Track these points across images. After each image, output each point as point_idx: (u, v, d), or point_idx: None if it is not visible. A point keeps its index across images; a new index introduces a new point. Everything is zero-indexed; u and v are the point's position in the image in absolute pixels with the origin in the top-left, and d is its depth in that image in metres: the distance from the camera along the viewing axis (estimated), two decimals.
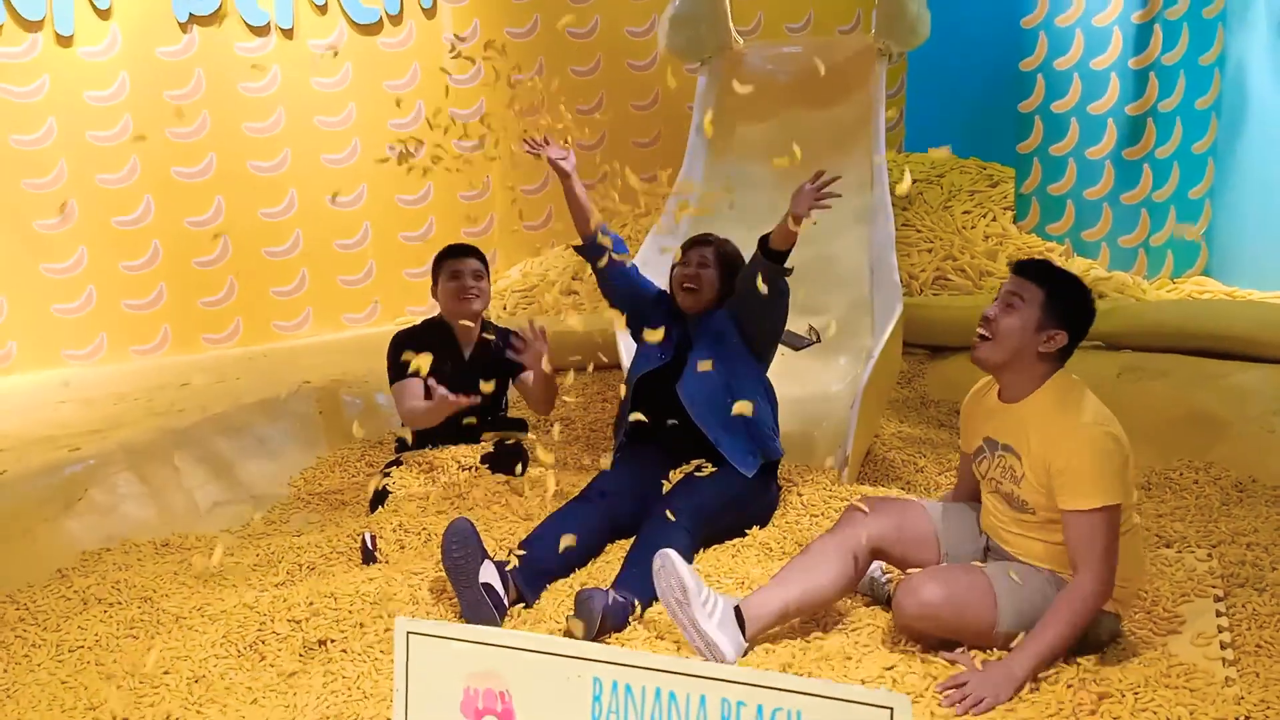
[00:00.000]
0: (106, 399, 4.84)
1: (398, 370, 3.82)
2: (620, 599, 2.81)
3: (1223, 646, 2.61)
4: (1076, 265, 5.52)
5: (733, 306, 3.43)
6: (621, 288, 3.67)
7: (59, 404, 4.84)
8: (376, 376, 4.83)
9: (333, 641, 2.89)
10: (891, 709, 1.36)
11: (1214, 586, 2.88)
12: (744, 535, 3.31)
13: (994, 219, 5.82)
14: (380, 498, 3.76)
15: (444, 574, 3.12)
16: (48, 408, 4.77)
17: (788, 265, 3.29)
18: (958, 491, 2.99)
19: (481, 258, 3.94)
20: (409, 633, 1.60)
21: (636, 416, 3.38)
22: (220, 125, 5.76)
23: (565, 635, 2.79)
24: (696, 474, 3.31)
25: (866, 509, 2.88)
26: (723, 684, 1.43)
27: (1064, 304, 2.63)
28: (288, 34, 5.82)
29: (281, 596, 3.14)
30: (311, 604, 3.04)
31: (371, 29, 6.00)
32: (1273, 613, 2.74)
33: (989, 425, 2.76)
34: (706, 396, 3.35)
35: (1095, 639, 2.63)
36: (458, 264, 3.88)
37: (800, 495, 3.51)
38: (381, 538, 3.46)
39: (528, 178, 6.57)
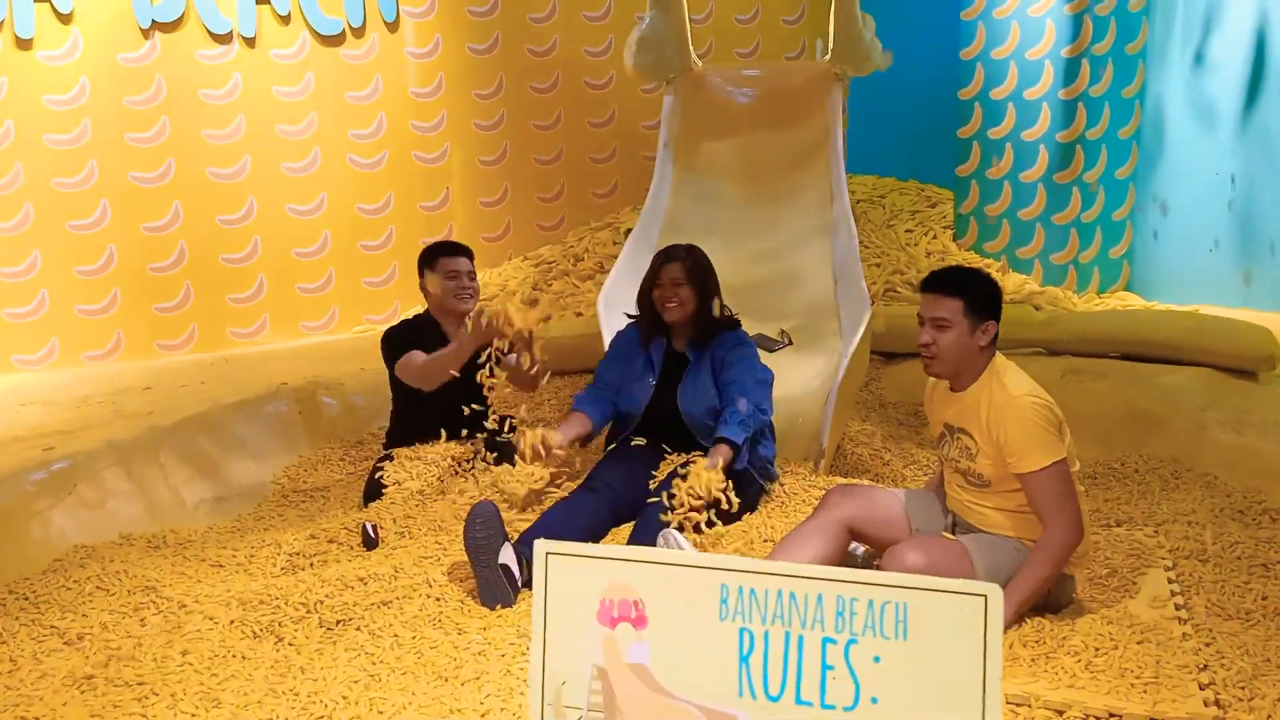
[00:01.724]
0: (69, 402, 4.83)
1: (398, 352, 3.91)
2: None
3: (1177, 608, 2.90)
4: (1012, 280, 5.89)
5: (716, 374, 3.61)
6: (618, 401, 3.77)
7: (20, 406, 4.82)
8: (352, 379, 4.95)
9: (350, 621, 3.00)
10: (985, 596, 1.58)
11: (1163, 559, 3.18)
12: (731, 524, 3.50)
13: (935, 237, 6.18)
14: (373, 491, 3.87)
15: (451, 558, 3.28)
16: (7, 411, 4.75)
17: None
18: (937, 474, 3.26)
19: (471, 255, 4.08)
20: (548, 553, 1.76)
21: (638, 441, 3.58)
22: (180, 131, 5.79)
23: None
24: (690, 466, 3.50)
25: (843, 494, 3.14)
26: (837, 584, 1.63)
27: (982, 299, 2.94)
28: (249, 42, 5.89)
29: (291, 582, 3.24)
30: (325, 587, 3.14)
31: (334, 40, 6.09)
32: (1216, 579, 3.06)
33: (946, 413, 3.06)
34: (705, 415, 3.57)
35: (1055, 600, 2.91)
36: (455, 262, 4.00)
37: (782, 485, 3.72)
38: (381, 527, 3.58)
39: (487, 190, 6.72)
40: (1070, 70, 5.82)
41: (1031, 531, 2.88)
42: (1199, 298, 5.63)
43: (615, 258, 6.41)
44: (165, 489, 3.99)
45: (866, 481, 3.84)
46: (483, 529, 3.04)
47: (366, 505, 3.84)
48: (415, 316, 4.17)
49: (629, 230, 6.59)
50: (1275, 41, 5.34)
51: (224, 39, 5.80)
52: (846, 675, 1.62)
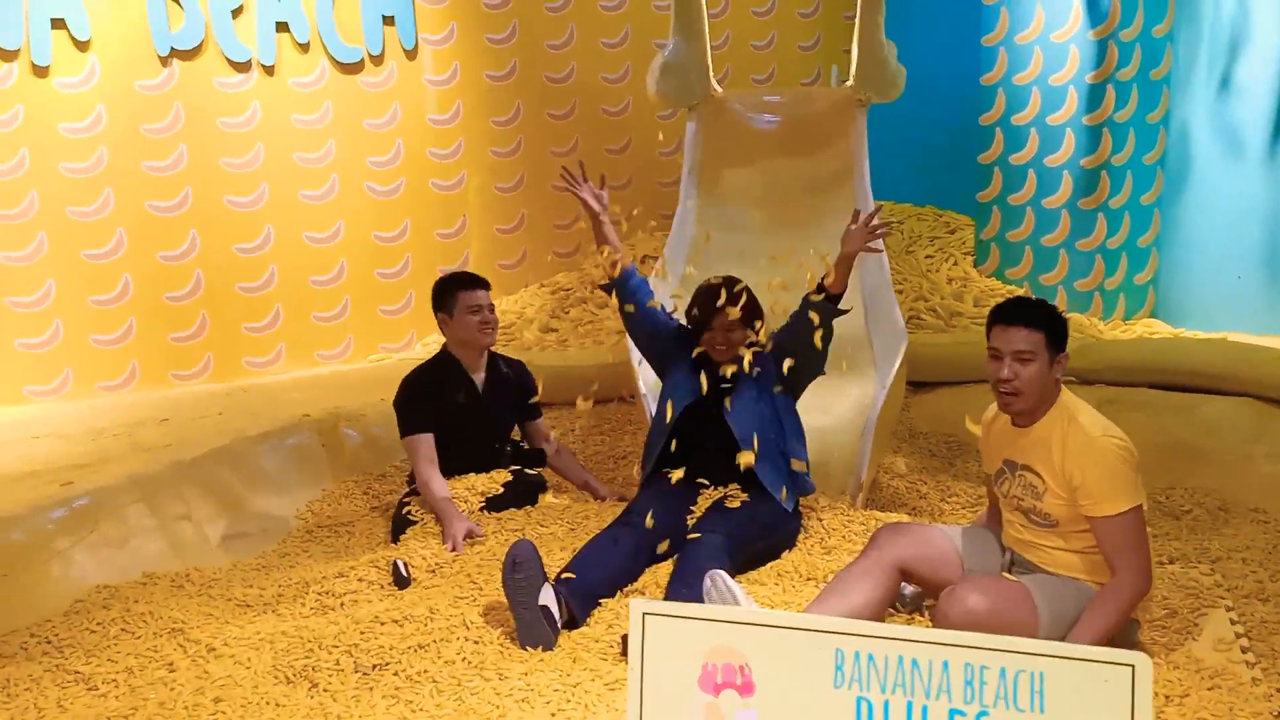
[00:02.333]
0: (84, 434, 4.75)
1: (411, 420, 3.84)
2: None
3: (1243, 651, 2.82)
4: None
5: (781, 346, 3.58)
6: (648, 329, 3.77)
7: (34, 439, 4.74)
8: (374, 410, 4.88)
9: (386, 665, 2.91)
10: (1133, 666, 1.49)
11: (1222, 598, 3.11)
12: (771, 561, 3.43)
13: (955, 263, 6.13)
14: (401, 526, 3.79)
15: (488, 598, 3.20)
16: (21, 444, 4.66)
17: (843, 307, 3.45)
18: (990, 509, 3.18)
19: (488, 286, 4.02)
20: (645, 614, 1.68)
21: (678, 474, 3.52)
22: (198, 159, 5.73)
23: (623, 654, 2.88)
24: (727, 501, 3.43)
25: (893, 533, 3.06)
26: (966, 650, 1.54)
27: (1058, 331, 2.86)
28: (269, 70, 5.85)
29: (323, 623, 3.16)
30: (360, 629, 3.06)
31: (353, 68, 6.05)
32: (1279, 620, 2.98)
33: (1007, 449, 2.96)
34: (756, 431, 3.50)
35: (1120, 646, 2.81)
36: (475, 296, 3.92)
37: (821, 521, 3.65)
38: (412, 565, 3.50)
39: (504, 217, 6.67)
40: (1095, 95, 5.78)
41: (1097, 573, 2.79)
42: (1226, 325, 5.58)
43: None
44: (188, 525, 3.91)
45: (904, 515, 3.77)
46: (522, 570, 2.96)
47: (395, 541, 3.77)
48: (435, 358, 4.06)
49: (645, 256, 6.55)
50: None
51: (243, 67, 5.76)
52: None
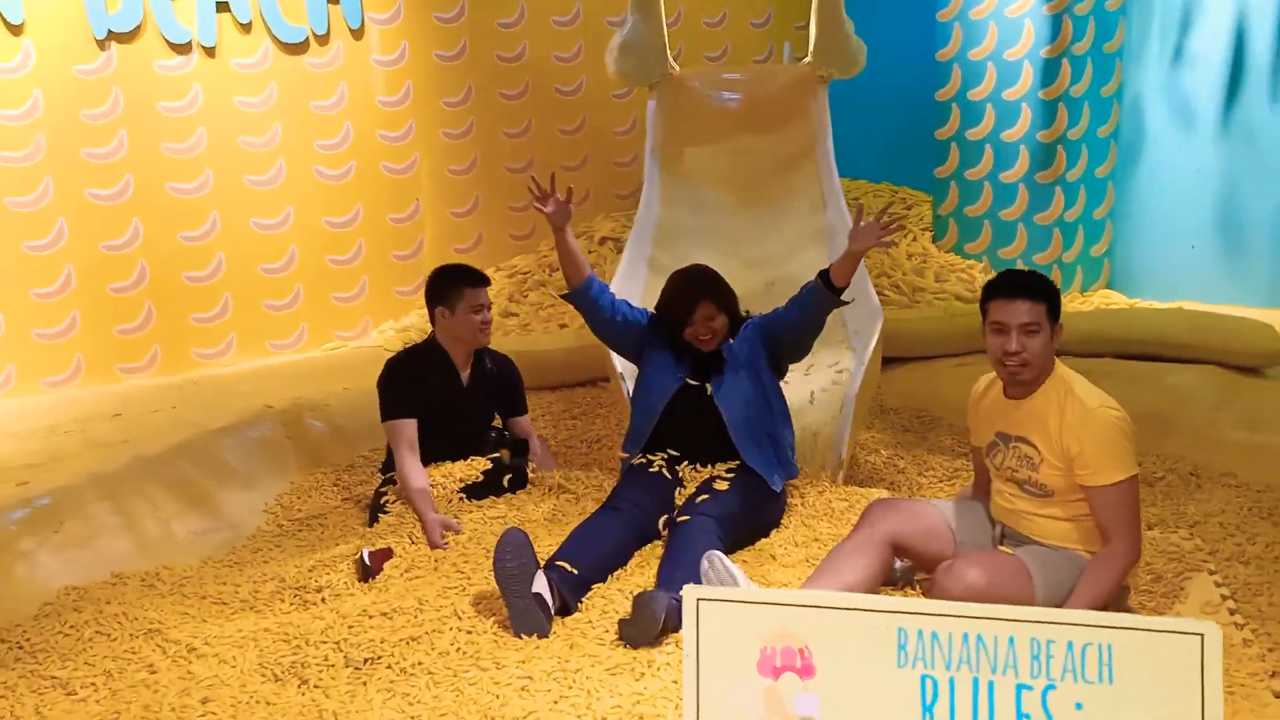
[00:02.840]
0: (34, 432, 4.57)
1: (393, 404, 3.76)
2: (678, 599, 2.88)
3: (1231, 613, 2.87)
4: None
5: (774, 329, 3.55)
6: (618, 331, 3.70)
7: None
8: (337, 399, 4.77)
9: (379, 659, 2.84)
10: (1202, 636, 1.48)
11: (1205, 561, 3.16)
12: (759, 540, 3.42)
13: (914, 239, 6.17)
14: (378, 516, 3.71)
15: (477, 587, 3.14)
16: None
17: (845, 298, 3.44)
18: (977, 482, 3.19)
19: (489, 283, 3.93)
20: (699, 600, 1.63)
21: (659, 460, 3.51)
22: (139, 146, 5.53)
23: (620, 638, 2.85)
24: (715, 483, 3.41)
25: (884, 508, 3.07)
26: (1032, 625, 1.52)
27: (1057, 302, 2.89)
28: (210, 52, 5.65)
29: (307, 618, 3.08)
30: (347, 624, 2.99)
31: (297, 49, 5.87)
32: (1264, 581, 3.05)
33: (999, 421, 2.98)
34: (744, 413, 3.49)
35: (1114, 610, 2.85)
36: (480, 295, 3.83)
37: (804, 499, 3.65)
38: (398, 555, 3.42)
39: (457, 200, 6.55)
40: (1050, 70, 5.83)
41: (1087, 541, 2.82)
42: (1180, 294, 5.69)
43: (592, 266, 6.30)
44: (155, 523, 3.78)
45: (884, 490, 3.78)
46: (513, 558, 2.91)
47: (372, 525, 3.68)
48: (422, 345, 3.98)
49: (604, 238, 6.50)
50: (1254, 37, 5.41)
51: (183, 49, 5.56)
52: None
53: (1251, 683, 2.49)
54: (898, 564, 3.14)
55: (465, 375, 3.88)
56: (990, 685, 1.53)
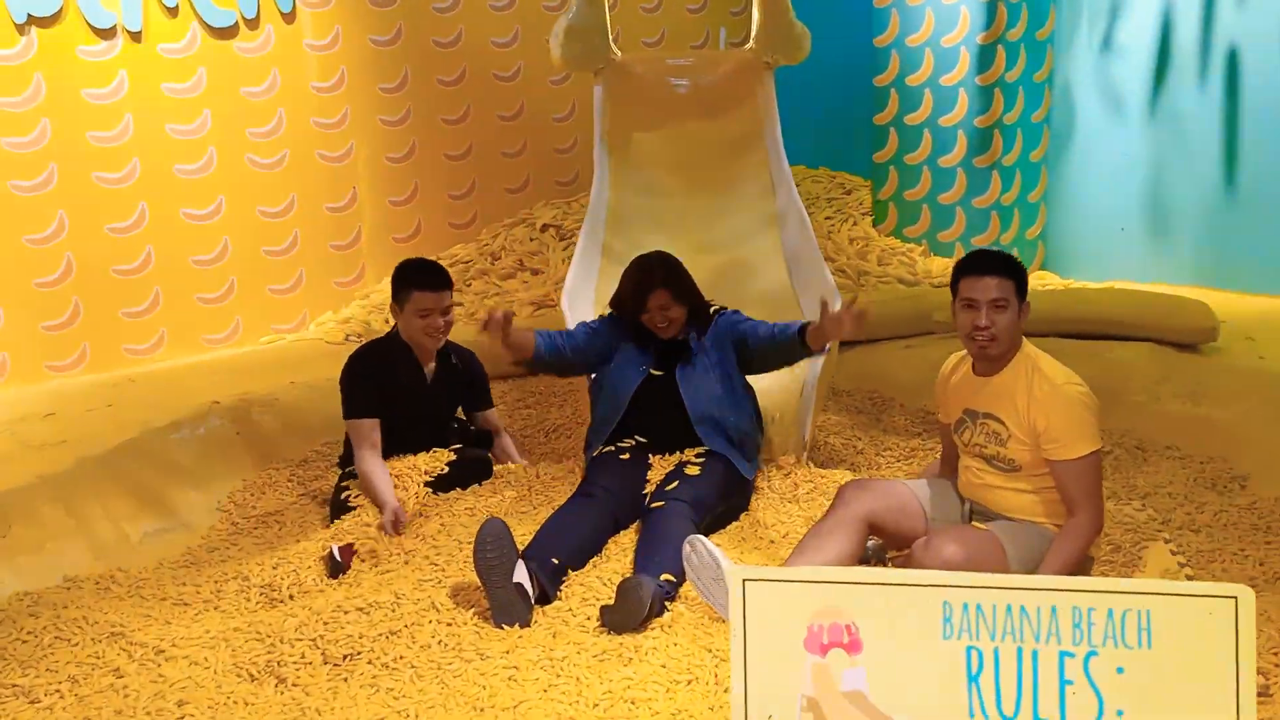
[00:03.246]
0: None
1: (355, 402, 3.67)
2: (663, 584, 2.89)
3: (1189, 579, 2.98)
4: (936, 264, 6.01)
5: (746, 343, 3.57)
6: (581, 362, 3.69)
7: None
8: (286, 393, 4.67)
9: (358, 655, 2.80)
10: (1236, 598, 1.54)
11: (1159, 530, 3.27)
12: (730, 523, 3.45)
13: (855, 223, 6.25)
14: (340, 511, 3.64)
15: (452, 579, 3.11)
16: None
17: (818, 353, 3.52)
18: (944, 458, 3.26)
19: (451, 284, 3.74)
20: (745, 580, 1.63)
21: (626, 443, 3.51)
22: (62, 135, 5.32)
23: (603, 625, 2.84)
24: (687, 468, 3.42)
25: (857, 488, 3.12)
26: (1073, 594, 1.56)
27: (1024, 280, 2.96)
28: (135, 37, 5.46)
29: (277, 616, 3.01)
30: (322, 620, 2.93)
31: (226, 33, 5.71)
32: (1215, 548, 3.17)
33: (968, 398, 3.05)
34: (708, 407, 3.51)
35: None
36: (431, 299, 3.64)
37: (768, 482, 3.68)
38: (357, 554, 3.36)
39: (396, 188, 6.45)
40: (986, 56, 5.95)
41: (1053, 514, 2.90)
42: (1111, 274, 5.87)
43: (534, 254, 6.26)
44: (106, 524, 3.65)
45: (846, 471, 3.83)
46: (493, 548, 2.88)
47: (334, 521, 3.60)
48: (385, 338, 3.86)
49: (545, 225, 6.46)
50: (1181, 24, 5.59)
51: (107, 34, 5.36)
52: (1088, 689, 1.55)
53: None
54: (870, 543, 3.19)
55: (429, 370, 3.80)
56: (1034, 654, 1.57)
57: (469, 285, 6.10)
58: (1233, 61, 5.49)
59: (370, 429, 3.63)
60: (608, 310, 3.76)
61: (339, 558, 3.32)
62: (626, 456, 3.49)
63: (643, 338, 3.61)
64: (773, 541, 3.32)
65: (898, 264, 5.82)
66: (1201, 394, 4.15)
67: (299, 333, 6.04)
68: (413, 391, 3.73)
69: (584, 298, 4.34)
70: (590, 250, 4.55)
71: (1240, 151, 5.53)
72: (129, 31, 5.42)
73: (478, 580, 2.95)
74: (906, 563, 2.97)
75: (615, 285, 4.54)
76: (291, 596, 3.18)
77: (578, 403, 4.73)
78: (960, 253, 6.10)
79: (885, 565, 3.17)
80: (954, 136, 6.07)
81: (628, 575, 3.07)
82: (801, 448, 3.84)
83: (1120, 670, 1.56)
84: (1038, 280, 6.11)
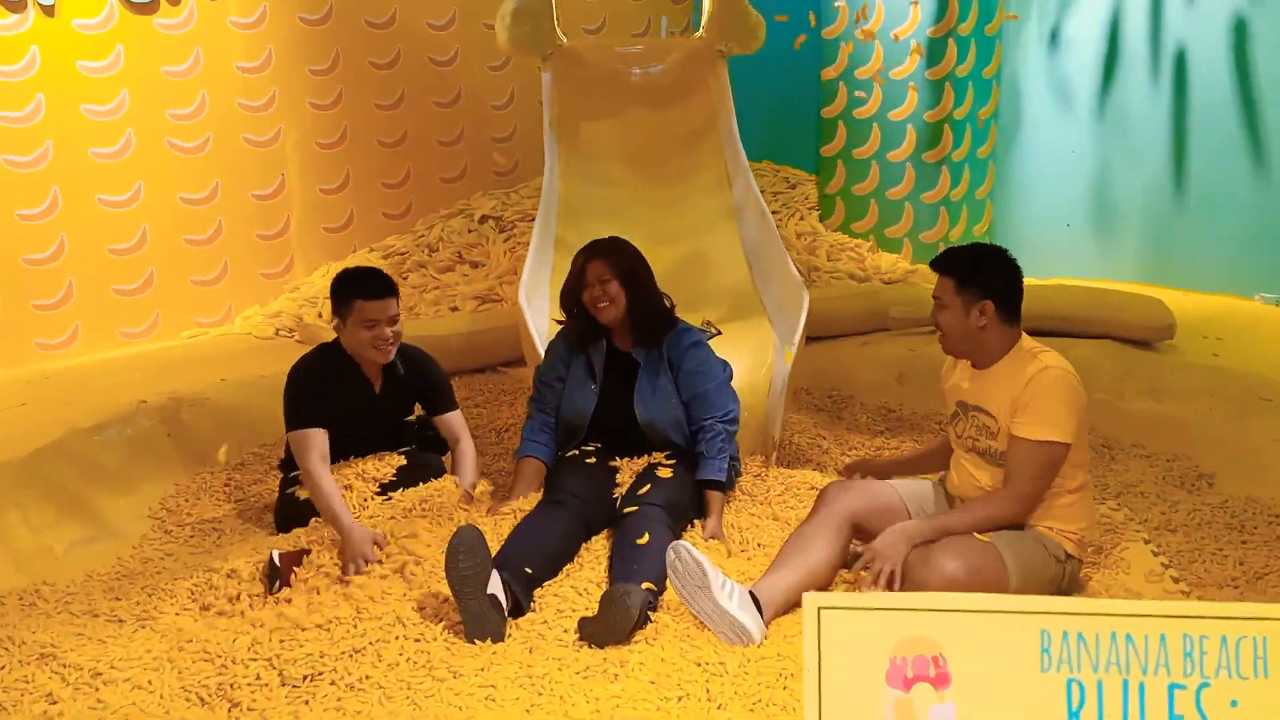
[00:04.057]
0: None
1: (299, 414, 3.37)
2: (648, 593, 2.74)
3: (1175, 580, 2.94)
4: (884, 260, 5.96)
5: (680, 385, 3.40)
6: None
7: None
8: (217, 391, 4.41)
9: (320, 675, 2.59)
10: None
11: (1138, 530, 3.24)
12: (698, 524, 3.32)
13: (801, 218, 6.17)
14: (288, 516, 3.40)
15: (417, 591, 2.91)
16: None
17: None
18: (936, 448, 3.20)
19: (396, 292, 3.45)
20: (820, 609, 1.47)
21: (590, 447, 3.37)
22: None
23: (583, 637, 2.69)
24: (658, 471, 3.27)
25: (840, 489, 3.04)
26: (1183, 620, 1.44)
27: (976, 278, 2.90)
28: (48, 10, 5.11)
29: (225, 635, 2.78)
30: (277, 638, 2.72)
31: (146, 8, 5.38)
32: (1194, 548, 3.15)
33: (963, 391, 2.99)
34: (666, 426, 3.36)
35: (1069, 589, 2.89)
36: (376, 309, 3.33)
37: (738, 485, 3.56)
38: (305, 565, 3.13)
39: (327, 176, 6.16)
40: (937, 50, 5.91)
41: (1049, 516, 2.83)
42: (1058, 271, 5.89)
43: (473, 246, 6.05)
44: (27, 534, 3.37)
45: (814, 471, 3.73)
46: (467, 558, 2.70)
47: (282, 531, 3.37)
48: (327, 347, 3.52)
49: (483, 217, 6.25)
50: (1130, 21, 5.62)
51: (17, 6, 5.00)
52: None
53: None
54: (854, 548, 3.09)
55: (377, 382, 3.52)
56: (1141, 687, 1.45)
57: (405, 278, 5.86)
58: (1181, 60, 5.55)
59: (319, 438, 3.33)
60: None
61: (278, 564, 3.08)
62: (592, 460, 3.33)
63: (590, 344, 3.44)
64: (761, 545, 3.20)
65: (847, 259, 5.76)
66: (1163, 391, 4.16)
67: (223, 327, 5.74)
68: (361, 407, 3.46)
69: (540, 293, 4.17)
70: (544, 243, 4.38)
71: (1187, 150, 5.60)
72: (41, 5, 5.07)
73: (446, 591, 2.76)
74: (903, 578, 2.86)
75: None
76: (242, 613, 2.95)
77: None
78: (908, 249, 6.08)
79: (866, 569, 3.05)
80: (903, 131, 6.03)
81: (603, 584, 2.93)
82: (771, 448, 3.73)
83: (1234, 703, 1.45)
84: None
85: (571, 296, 3.44)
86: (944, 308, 2.91)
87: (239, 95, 5.73)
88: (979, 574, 2.70)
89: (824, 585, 2.91)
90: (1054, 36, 5.94)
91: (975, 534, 2.80)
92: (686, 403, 3.36)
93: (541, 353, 3.74)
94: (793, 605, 2.79)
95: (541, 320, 3.99)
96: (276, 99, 5.87)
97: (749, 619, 2.67)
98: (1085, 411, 2.83)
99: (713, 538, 3.20)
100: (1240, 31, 5.38)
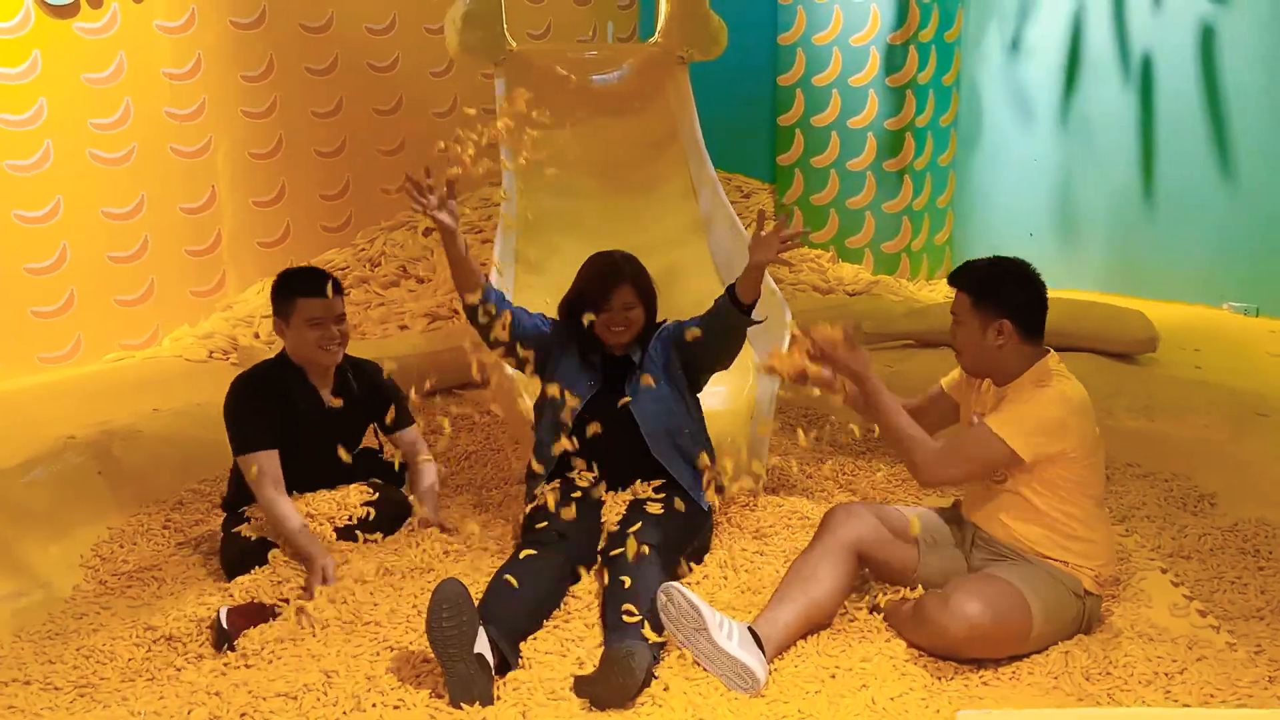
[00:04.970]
0: None
1: (247, 435, 3.13)
2: (652, 648, 2.52)
3: (1201, 614, 2.81)
4: (846, 271, 5.81)
5: (686, 346, 3.21)
6: (518, 338, 3.26)
7: None
8: (150, 423, 4.09)
9: None
10: None
11: (1150, 558, 3.10)
12: (695, 563, 3.10)
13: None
14: (235, 560, 3.09)
15: (391, 647, 2.65)
16: None
17: (756, 316, 3.12)
18: (915, 409, 3.02)
19: (340, 289, 3.25)
20: None
21: (562, 446, 3.10)
22: None
23: (580, 695, 2.45)
24: (646, 506, 3.05)
25: (845, 513, 2.87)
26: None
27: (993, 296, 2.76)
28: None
29: (178, 705, 2.49)
30: (236, 711, 2.43)
31: (65, 11, 5.00)
32: (1213, 575, 3.02)
33: (978, 404, 2.88)
34: (664, 424, 3.17)
35: (1089, 624, 2.74)
36: (320, 306, 3.14)
37: (727, 517, 3.36)
38: (267, 620, 2.85)
39: (261, 188, 5.82)
40: (897, 57, 5.78)
41: (1060, 549, 2.70)
42: None
43: (418, 260, 5.77)
44: None
45: (802, 499, 3.54)
46: (450, 616, 2.44)
47: (231, 579, 3.07)
48: (273, 361, 3.29)
49: (428, 229, 5.97)
50: (1092, 27, 5.55)
51: None
52: None
53: (1257, 691, 2.41)
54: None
55: (326, 391, 3.29)
56: None
57: (347, 295, 5.53)
58: (1146, 67, 5.50)
59: (270, 462, 3.09)
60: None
61: (225, 625, 2.79)
62: (578, 495, 3.09)
63: (585, 351, 3.23)
64: (746, 580, 2.99)
65: (808, 270, 5.60)
66: (1154, 409, 4.05)
67: (151, 349, 5.37)
68: (311, 419, 3.21)
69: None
70: (505, 258, 4.13)
71: (1152, 157, 5.56)
72: None
73: (424, 649, 2.51)
74: (909, 613, 2.69)
75: (532, 295, 4.15)
76: (194, 677, 2.65)
77: (490, 427, 4.30)
78: (869, 259, 5.94)
79: (873, 607, 2.87)
80: (863, 139, 5.89)
81: (595, 630, 2.70)
82: (759, 475, 3.53)
83: None
84: (946, 288, 6.00)
85: (571, 307, 3.21)
86: (960, 324, 2.80)
87: (166, 103, 5.37)
88: (1003, 618, 2.55)
89: (828, 617, 2.75)
90: (1015, 44, 5.87)
91: (991, 571, 2.64)
92: (686, 335, 3.20)
93: (511, 374, 3.51)
94: (793, 640, 2.65)
95: None
96: (206, 107, 5.52)
97: (751, 659, 2.49)
98: (1086, 440, 2.68)
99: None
100: (1206, 38, 5.35)
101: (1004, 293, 2.74)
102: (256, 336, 5.21)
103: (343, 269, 5.77)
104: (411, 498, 3.32)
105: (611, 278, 3.17)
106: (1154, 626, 2.74)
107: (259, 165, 5.80)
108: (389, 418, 3.33)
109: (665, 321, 3.35)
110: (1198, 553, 3.14)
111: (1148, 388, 4.22)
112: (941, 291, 5.91)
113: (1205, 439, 3.82)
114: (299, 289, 3.16)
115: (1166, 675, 2.49)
